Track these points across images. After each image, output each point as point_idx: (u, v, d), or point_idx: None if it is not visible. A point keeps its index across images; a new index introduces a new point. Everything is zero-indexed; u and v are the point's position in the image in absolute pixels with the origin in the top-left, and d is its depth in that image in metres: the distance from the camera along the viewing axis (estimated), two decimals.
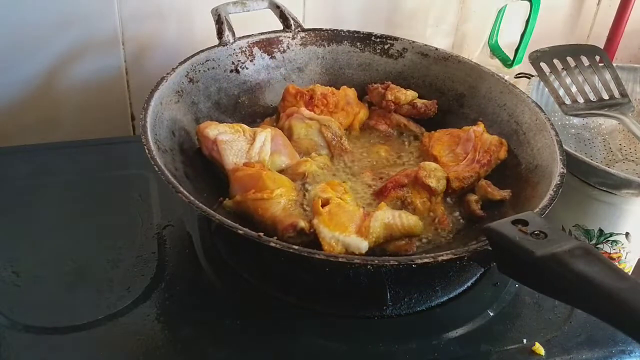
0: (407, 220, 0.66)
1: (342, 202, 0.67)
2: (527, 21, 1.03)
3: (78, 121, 0.99)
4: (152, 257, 0.71)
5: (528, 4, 1.01)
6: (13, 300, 0.64)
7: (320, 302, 0.67)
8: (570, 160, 0.74)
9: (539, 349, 0.63)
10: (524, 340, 0.64)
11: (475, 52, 1.10)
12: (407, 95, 0.87)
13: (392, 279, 0.67)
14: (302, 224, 0.64)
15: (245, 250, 0.70)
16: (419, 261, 0.56)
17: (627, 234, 0.91)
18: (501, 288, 0.71)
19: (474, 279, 0.71)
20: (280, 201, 0.66)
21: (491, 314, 0.67)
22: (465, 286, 0.70)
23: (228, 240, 0.72)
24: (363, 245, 0.63)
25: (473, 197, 0.73)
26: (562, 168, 0.69)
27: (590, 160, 0.84)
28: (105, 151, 0.89)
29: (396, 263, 0.56)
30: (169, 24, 0.97)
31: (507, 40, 1.07)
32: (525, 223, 0.52)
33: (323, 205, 0.65)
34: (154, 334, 0.62)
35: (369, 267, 0.57)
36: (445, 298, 0.68)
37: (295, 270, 0.68)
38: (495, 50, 1.07)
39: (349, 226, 0.63)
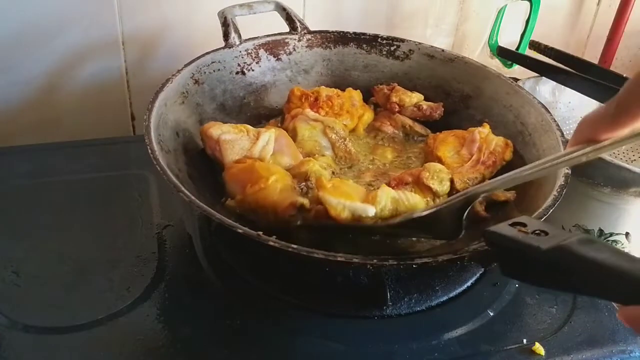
0: (412, 197, 0.66)
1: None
2: (527, 21, 1.03)
3: (78, 121, 0.99)
4: (152, 257, 0.71)
5: (528, 4, 1.01)
6: (13, 300, 0.64)
7: (320, 302, 0.67)
8: None
9: (539, 349, 0.63)
10: (524, 340, 0.64)
11: (475, 52, 1.10)
12: (412, 97, 0.86)
13: (392, 278, 0.67)
14: (302, 200, 0.64)
15: (245, 250, 0.70)
16: (419, 261, 0.56)
17: (627, 234, 0.91)
18: (501, 288, 0.71)
19: (474, 279, 0.71)
20: (276, 187, 0.66)
21: (491, 314, 0.68)
22: (465, 286, 0.70)
23: (228, 240, 0.72)
24: (370, 209, 0.62)
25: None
26: (567, 169, 0.69)
27: (606, 156, 0.82)
28: (105, 151, 0.89)
29: (395, 263, 0.56)
30: (169, 23, 0.97)
31: (507, 40, 1.07)
32: (523, 225, 0.52)
33: None
34: (154, 334, 0.62)
35: (368, 266, 0.57)
36: (445, 298, 0.68)
37: (295, 270, 0.68)
38: (495, 50, 1.07)
39: (353, 195, 0.63)
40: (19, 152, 0.87)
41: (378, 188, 0.72)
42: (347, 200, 0.62)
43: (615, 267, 0.44)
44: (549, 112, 0.79)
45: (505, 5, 1.04)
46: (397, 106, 0.86)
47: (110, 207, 0.78)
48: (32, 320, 0.62)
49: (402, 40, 0.92)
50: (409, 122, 0.86)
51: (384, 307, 0.66)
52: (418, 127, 0.87)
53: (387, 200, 0.63)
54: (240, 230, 0.57)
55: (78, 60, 0.95)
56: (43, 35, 0.91)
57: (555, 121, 0.78)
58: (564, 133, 0.76)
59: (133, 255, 0.70)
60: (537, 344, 0.64)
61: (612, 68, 1.23)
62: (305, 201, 0.64)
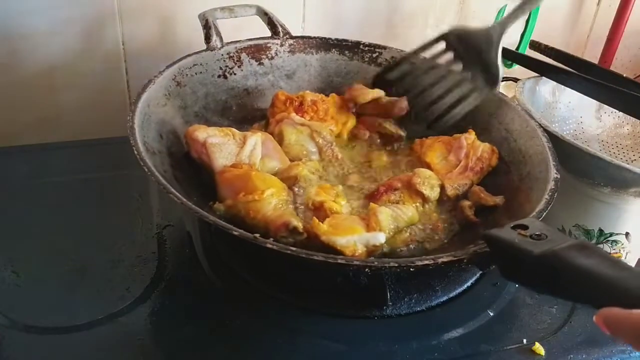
0: (406, 210, 0.67)
1: (336, 205, 0.67)
2: (527, 21, 1.03)
3: (78, 121, 0.99)
4: (152, 257, 0.71)
5: None
6: (13, 300, 0.64)
7: (320, 302, 0.67)
8: (576, 158, 0.73)
9: (539, 349, 0.63)
10: (524, 340, 0.64)
11: None
12: (367, 94, 0.84)
13: (392, 279, 0.67)
14: (295, 222, 0.63)
15: (244, 250, 0.70)
16: (419, 263, 0.56)
17: (627, 234, 0.91)
18: (501, 288, 0.71)
19: (473, 279, 0.71)
20: (271, 201, 0.65)
21: (491, 314, 0.68)
22: (465, 286, 0.70)
23: (227, 241, 0.72)
24: (380, 236, 0.63)
25: (466, 203, 0.73)
26: (556, 174, 0.70)
27: (606, 156, 0.82)
28: (105, 151, 0.89)
29: (396, 265, 0.56)
30: (169, 24, 0.97)
31: (507, 40, 1.06)
32: (525, 227, 0.53)
33: (317, 209, 0.65)
34: (154, 334, 0.62)
35: (366, 270, 0.57)
36: (445, 298, 0.68)
37: (295, 270, 0.68)
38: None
39: (357, 227, 0.63)
40: (19, 152, 0.87)
41: (368, 194, 0.73)
42: (354, 234, 0.62)
43: (600, 275, 0.44)
44: (533, 118, 0.79)
45: (505, 5, 1.04)
46: (352, 104, 0.85)
47: (110, 207, 0.78)
48: (32, 320, 0.62)
49: (384, 47, 0.92)
50: (378, 120, 0.84)
51: (384, 307, 0.66)
52: (388, 125, 0.84)
53: (388, 221, 0.64)
54: (235, 233, 0.56)
55: (78, 60, 0.95)
56: (43, 35, 0.91)
57: (540, 127, 0.78)
58: (564, 133, 0.76)
59: (133, 255, 0.70)
60: (537, 344, 0.64)
61: (612, 68, 1.23)
62: (299, 224, 0.63)
